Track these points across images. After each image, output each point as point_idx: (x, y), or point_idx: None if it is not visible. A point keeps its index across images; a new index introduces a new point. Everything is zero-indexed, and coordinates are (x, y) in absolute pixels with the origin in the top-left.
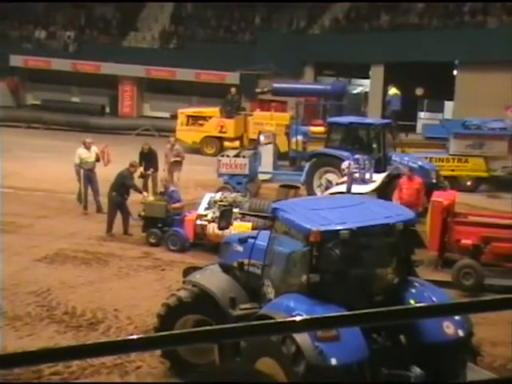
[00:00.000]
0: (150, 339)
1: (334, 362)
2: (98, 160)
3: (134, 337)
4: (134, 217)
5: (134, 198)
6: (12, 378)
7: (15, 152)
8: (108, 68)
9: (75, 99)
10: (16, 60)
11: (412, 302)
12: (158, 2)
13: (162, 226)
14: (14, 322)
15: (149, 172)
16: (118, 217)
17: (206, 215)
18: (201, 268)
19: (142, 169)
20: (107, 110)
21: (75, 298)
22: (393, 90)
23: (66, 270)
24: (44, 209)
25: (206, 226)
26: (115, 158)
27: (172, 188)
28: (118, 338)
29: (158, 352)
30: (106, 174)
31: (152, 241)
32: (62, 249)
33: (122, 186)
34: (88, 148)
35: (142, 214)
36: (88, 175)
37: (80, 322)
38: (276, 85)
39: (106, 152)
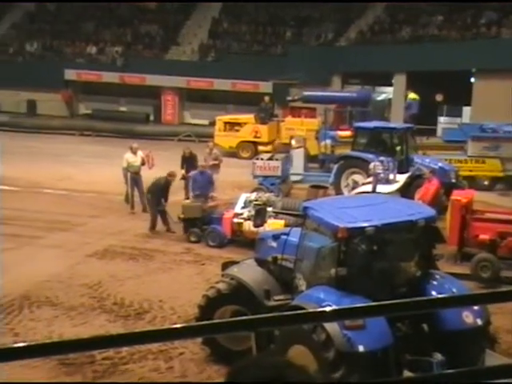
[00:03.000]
0: (191, 328)
1: (361, 348)
2: (143, 164)
3: (178, 326)
4: (175, 220)
5: (173, 199)
6: (68, 362)
7: (69, 158)
8: (152, 80)
9: (122, 108)
10: (70, 74)
11: (433, 293)
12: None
13: (201, 224)
14: (69, 312)
15: (190, 174)
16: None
17: (242, 214)
18: (238, 262)
19: (183, 171)
20: (151, 118)
21: (124, 289)
22: (411, 95)
23: (115, 265)
24: (95, 209)
25: (242, 223)
26: (158, 162)
27: (208, 171)
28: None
29: (199, 339)
30: (150, 177)
31: (193, 239)
32: (111, 245)
33: (159, 191)
34: (134, 153)
35: (182, 216)
36: (134, 178)
37: (128, 312)
38: (306, 93)
39: (151, 156)
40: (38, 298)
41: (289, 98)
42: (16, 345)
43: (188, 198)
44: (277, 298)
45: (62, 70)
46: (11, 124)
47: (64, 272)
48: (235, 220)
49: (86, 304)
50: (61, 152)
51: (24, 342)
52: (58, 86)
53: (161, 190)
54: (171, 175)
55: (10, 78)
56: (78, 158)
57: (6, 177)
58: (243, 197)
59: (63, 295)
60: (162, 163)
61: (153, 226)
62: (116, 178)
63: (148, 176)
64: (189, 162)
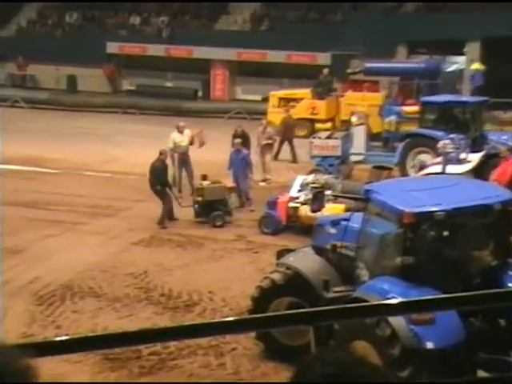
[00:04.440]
0: (244, 321)
1: (429, 345)
2: (191, 143)
3: (229, 319)
4: (184, 205)
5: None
6: (113, 357)
7: (112, 137)
8: (200, 52)
9: (168, 84)
10: (112, 47)
11: (511, 285)
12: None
13: (224, 207)
14: (113, 303)
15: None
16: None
17: (298, 198)
18: (294, 250)
19: None
20: (199, 94)
21: (171, 280)
22: (475, 66)
23: (162, 253)
24: (140, 193)
25: (298, 208)
26: (208, 142)
27: (245, 150)
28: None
29: (253, 334)
30: (199, 157)
31: (218, 223)
32: (157, 232)
33: (160, 177)
34: (181, 132)
35: (200, 199)
36: (182, 159)
37: (176, 304)
38: (368, 64)
39: (202, 136)
40: (80, 288)
41: (349, 71)
42: (58, 338)
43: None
44: (336, 289)
45: (103, 43)
46: (50, 102)
47: (108, 260)
48: (291, 204)
49: (131, 295)
50: (103, 131)
51: (66, 335)
52: (99, 60)
53: (158, 174)
54: (162, 153)
55: (49, 52)
56: (121, 137)
57: (46, 159)
58: (299, 179)
59: (107, 285)
60: (210, 143)
61: (164, 218)
62: None
63: (197, 156)
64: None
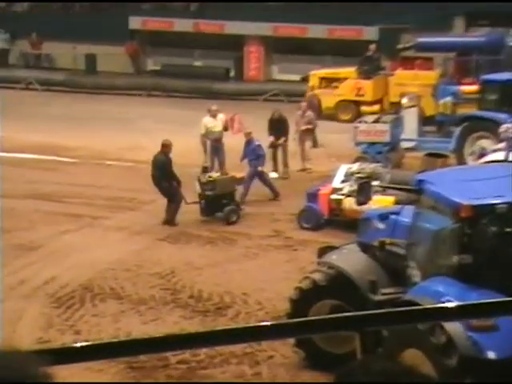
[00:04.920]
0: (282, 326)
1: (491, 355)
2: (226, 129)
3: (266, 323)
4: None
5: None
6: (137, 366)
7: (135, 123)
8: (232, 27)
9: (197, 63)
10: (135, 22)
11: None
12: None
13: (232, 200)
14: (138, 306)
15: (280, 141)
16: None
17: (341, 189)
18: (337, 247)
19: (271, 138)
20: (232, 73)
21: (201, 280)
22: None
23: (191, 250)
24: None
25: (341, 200)
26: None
27: (257, 142)
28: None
29: (292, 341)
30: (233, 144)
31: (233, 219)
32: (185, 227)
33: (165, 171)
34: (214, 116)
35: (210, 193)
36: (215, 146)
37: (207, 307)
38: (421, 39)
39: (237, 120)
40: (101, 289)
41: (399, 47)
42: (77, 344)
43: (275, 170)
44: (385, 291)
45: (125, 18)
46: (67, 83)
47: (131, 259)
48: (333, 196)
49: (157, 297)
50: (126, 116)
51: (86, 341)
52: (121, 37)
53: (162, 168)
54: (165, 145)
55: (66, 28)
56: (145, 123)
57: (63, 147)
58: (343, 168)
59: (130, 286)
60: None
61: (171, 217)
62: (191, 147)
63: (231, 143)
64: (278, 126)
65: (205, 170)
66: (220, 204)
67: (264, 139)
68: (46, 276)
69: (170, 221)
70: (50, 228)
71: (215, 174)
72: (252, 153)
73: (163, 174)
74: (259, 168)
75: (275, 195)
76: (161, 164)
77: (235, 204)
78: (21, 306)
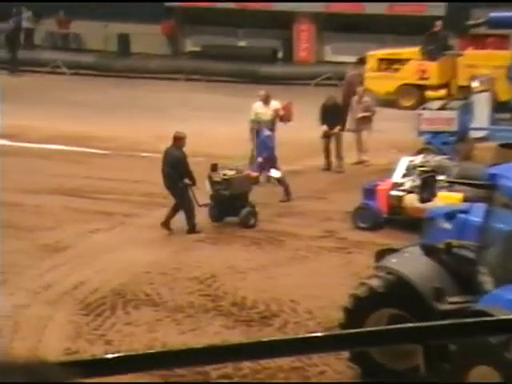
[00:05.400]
0: (335, 338)
1: None
2: (280, 119)
3: (317, 334)
4: (201, 203)
5: (310, 164)
6: (174, 380)
7: (173, 110)
8: (281, 4)
9: (241, 43)
10: None
11: None
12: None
13: (247, 201)
14: (174, 314)
15: (335, 130)
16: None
17: (402, 184)
18: (397, 250)
19: (325, 127)
20: (280, 55)
21: (245, 285)
22: None
23: (234, 252)
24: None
25: (403, 197)
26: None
27: (266, 132)
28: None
29: (346, 354)
30: (284, 136)
31: (252, 222)
32: (227, 226)
33: (180, 169)
34: (266, 103)
35: (226, 193)
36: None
37: (251, 316)
38: (494, 14)
39: (289, 108)
40: (134, 295)
41: (469, 23)
42: (108, 356)
43: (327, 167)
44: (452, 299)
45: None
46: (98, 66)
47: (168, 261)
48: (394, 193)
49: (196, 304)
50: (162, 103)
51: (118, 352)
52: (157, 15)
53: (178, 166)
54: (178, 138)
55: (96, 5)
56: (184, 110)
57: (93, 137)
58: (404, 161)
59: (167, 292)
60: (295, 117)
61: (192, 224)
62: (234, 137)
63: (282, 134)
64: (331, 114)
65: (214, 167)
66: (234, 206)
67: (314, 129)
68: (74, 280)
69: (191, 230)
70: (78, 227)
71: (230, 172)
72: (261, 144)
73: (178, 172)
74: (259, 159)
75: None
76: (176, 160)
77: (251, 205)
78: (46, 312)
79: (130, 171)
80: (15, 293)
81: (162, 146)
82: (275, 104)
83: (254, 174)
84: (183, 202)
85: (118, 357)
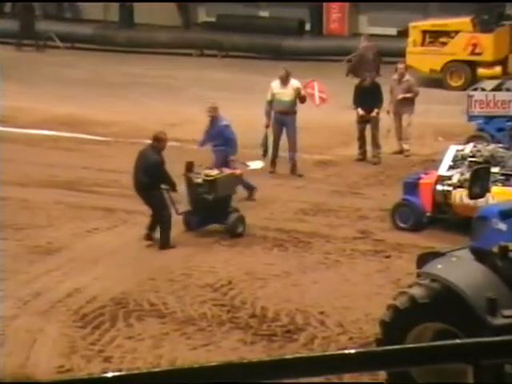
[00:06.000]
0: (371, 355)
1: None
2: (302, 101)
3: (350, 351)
4: (180, 211)
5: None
6: None
7: (183, 90)
8: None
9: (263, 13)
10: None
11: None
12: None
13: (230, 205)
14: (184, 327)
15: (373, 114)
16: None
17: (450, 177)
18: (443, 254)
19: (360, 110)
20: (307, 27)
21: (266, 294)
22: None
23: (253, 256)
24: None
25: (450, 192)
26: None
27: (224, 121)
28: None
29: (383, 373)
30: (305, 119)
31: (240, 230)
32: (247, 225)
33: (158, 174)
34: (284, 82)
35: (210, 197)
36: (281, 120)
37: (273, 329)
38: None
39: (317, 89)
40: (138, 304)
41: None
42: (107, 374)
43: (362, 157)
44: (508, 312)
45: None
46: (97, 39)
47: (176, 265)
48: (439, 187)
49: (209, 315)
50: (171, 81)
51: (119, 370)
52: None
53: (155, 171)
54: (159, 139)
55: None
56: (195, 90)
57: (91, 121)
58: (452, 150)
59: (175, 301)
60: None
61: (166, 238)
62: (254, 121)
63: (302, 118)
64: (368, 95)
65: (190, 166)
66: (218, 211)
67: (347, 112)
68: (69, 287)
69: (165, 245)
70: (73, 225)
71: (213, 172)
72: (218, 136)
73: (155, 177)
74: (232, 157)
75: (250, 194)
76: (154, 165)
77: (237, 210)
78: (36, 324)
79: (133, 161)
80: (0, 302)
81: (171, 132)
82: (295, 83)
83: (238, 171)
84: (161, 210)
85: (119, 376)
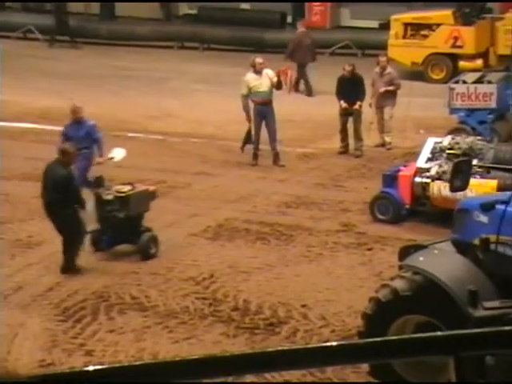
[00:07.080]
0: (353, 348)
1: None
2: (278, 87)
3: (332, 344)
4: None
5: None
6: None
7: (165, 83)
8: None
9: (245, 6)
10: None
11: None
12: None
13: (139, 224)
14: (167, 320)
15: (356, 106)
16: None
17: (428, 169)
18: (425, 247)
19: (343, 103)
20: (289, 19)
21: (248, 287)
22: None
23: (236, 249)
24: (203, 162)
25: (428, 184)
26: (301, 88)
27: (91, 121)
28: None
29: (365, 366)
30: (295, 114)
31: (153, 251)
32: (228, 218)
33: (68, 191)
34: (258, 72)
35: (120, 215)
36: (260, 111)
37: (255, 322)
38: None
39: (289, 76)
40: (120, 297)
41: None
42: (89, 368)
43: (344, 150)
44: (489, 304)
45: None
46: (79, 31)
47: (159, 259)
48: (418, 179)
49: (191, 309)
50: (153, 74)
51: (100, 364)
52: None
53: (65, 187)
54: (66, 153)
55: None
56: (177, 83)
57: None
58: (430, 143)
59: (158, 294)
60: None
61: (71, 260)
62: (236, 115)
63: (286, 112)
64: (350, 87)
65: (99, 181)
66: (129, 230)
67: (330, 105)
68: (50, 281)
69: (69, 267)
70: None
71: (126, 188)
72: (86, 137)
73: (66, 195)
74: (100, 160)
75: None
76: (63, 181)
77: (149, 230)
78: (18, 318)
79: (113, 154)
80: None
81: (153, 125)
82: (269, 72)
83: (152, 187)
84: (71, 231)
85: (101, 369)
